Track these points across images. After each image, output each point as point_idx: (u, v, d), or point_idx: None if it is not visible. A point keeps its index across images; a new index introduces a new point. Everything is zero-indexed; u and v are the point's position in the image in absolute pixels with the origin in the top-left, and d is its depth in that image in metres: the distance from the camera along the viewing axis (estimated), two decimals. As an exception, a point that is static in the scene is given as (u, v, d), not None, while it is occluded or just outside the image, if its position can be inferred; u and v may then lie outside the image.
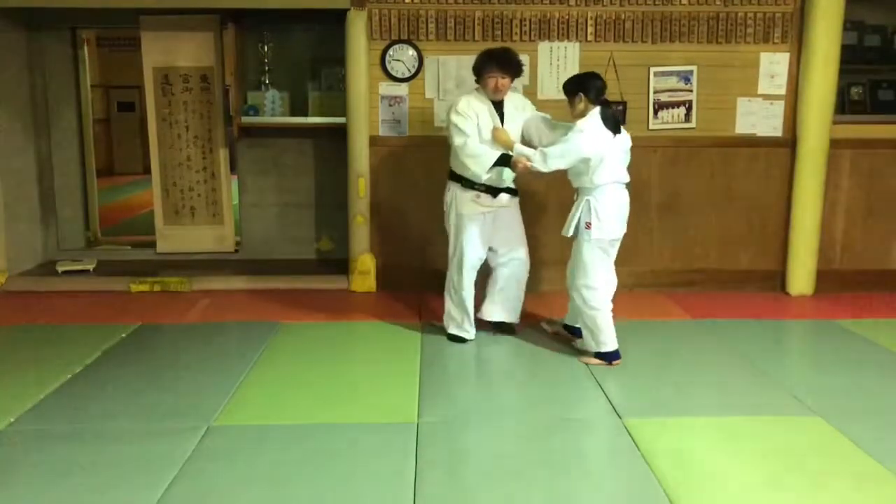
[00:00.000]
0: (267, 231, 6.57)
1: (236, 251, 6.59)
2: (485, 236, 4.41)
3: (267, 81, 6.30)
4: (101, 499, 2.79)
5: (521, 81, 5.12)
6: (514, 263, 4.50)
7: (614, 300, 4.25)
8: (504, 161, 4.15)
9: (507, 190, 4.37)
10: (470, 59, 5.44)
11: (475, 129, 4.22)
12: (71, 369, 4.05)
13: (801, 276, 5.68)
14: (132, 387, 3.86)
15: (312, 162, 6.48)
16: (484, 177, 4.20)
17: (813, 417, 3.51)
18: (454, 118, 4.25)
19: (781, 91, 5.58)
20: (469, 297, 4.46)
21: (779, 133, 5.63)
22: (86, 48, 6.79)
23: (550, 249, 5.43)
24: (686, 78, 5.54)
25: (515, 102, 4.39)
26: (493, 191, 4.32)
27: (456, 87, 5.53)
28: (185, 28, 6.17)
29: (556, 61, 5.49)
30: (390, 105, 5.59)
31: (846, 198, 5.75)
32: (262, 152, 6.47)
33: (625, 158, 4.16)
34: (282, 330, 4.78)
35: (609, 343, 4.15)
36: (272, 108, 6.23)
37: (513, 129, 4.30)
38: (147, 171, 7.74)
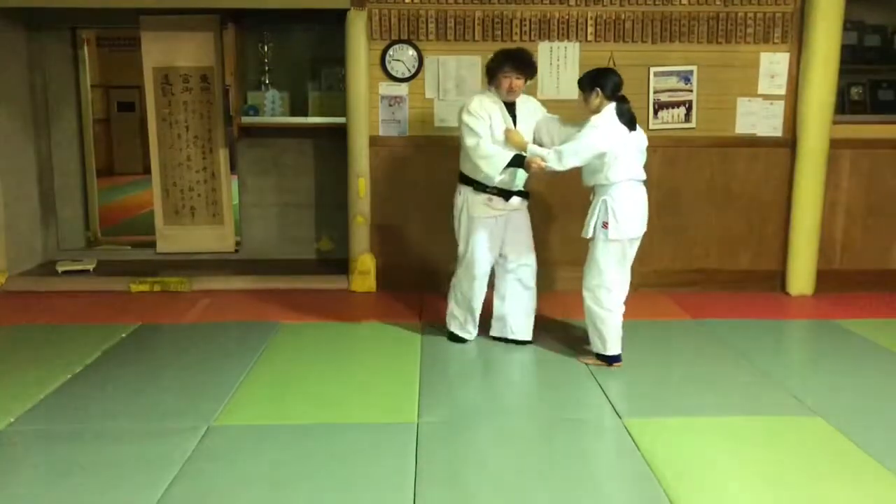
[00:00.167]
0: (267, 231, 6.57)
1: (236, 251, 6.59)
2: (496, 241, 4.33)
3: (267, 81, 6.30)
4: (101, 499, 2.79)
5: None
6: (522, 271, 4.41)
7: (626, 301, 4.19)
8: (517, 162, 4.07)
9: (519, 193, 4.30)
10: (470, 59, 5.51)
11: (488, 129, 4.13)
12: (71, 369, 4.05)
13: (801, 276, 5.68)
14: (132, 387, 3.86)
15: (312, 162, 6.48)
16: (497, 178, 4.12)
17: (813, 417, 3.51)
18: (466, 119, 4.16)
19: (781, 91, 5.58)
20: (477, 303, 4.41)
21: (779, 133, 5.63)
22: (86, 48, 6.80)
23: (555, 250, 5.43)
24: (686, 78, 5.54)
25: (527, 104, 4.31)
26: (506, 194, 4.24)
27: (456, 87, 5.54)
28: (185, 28, 6.17)
29: (556, 61, 5.49)
30: (390, 105, 5.59)
31: (846, 198, 5.75)
32: (262, 152, 6.47)
33: (640, 157, 4.10)
34: (282, 330, 4.78)
35: (615, 346, 4.10)
36: (272, 108, 6.23)
37: (525, 130, 4.22)
38: (147, 171, 7.73)
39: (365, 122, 5.56)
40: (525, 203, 4.39)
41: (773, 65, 5.55)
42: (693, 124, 5.60)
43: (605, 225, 4.00)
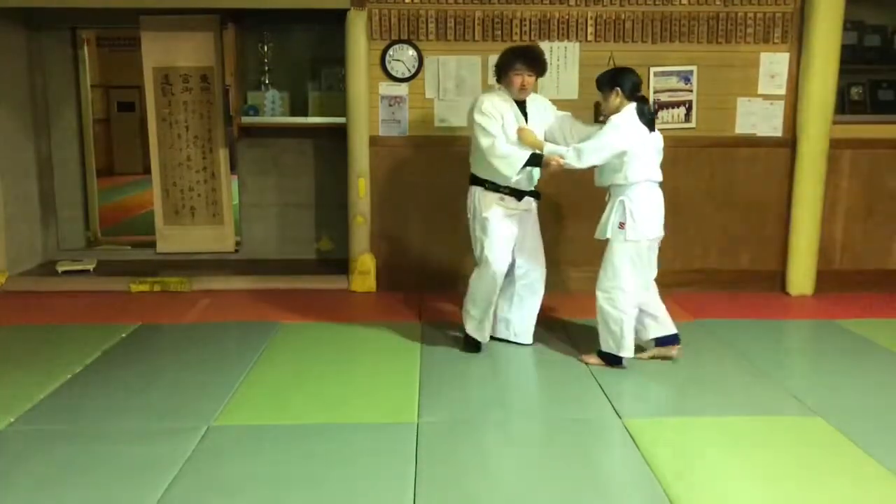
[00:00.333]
0: (267, 231, 6.57)
1: (236, 251, 6.59)
2: (510, 239, 4.22)
3: (267, 81, 6.30)
4: (100, 499, 2.79)
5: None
6: (532, 276, 4.35)
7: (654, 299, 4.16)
8: (535, 161, 3.99)
9: (531, 193, 4.23)
10: (470, 59, 5.51)
11: (501, 129, 4.03)
12: (71, 369, 4.05)
13: (801, 276, 5.68)
14: (132, 387, 3.86)
15: (312, 162, 6.48)
16: (514, 178, 4.03)
17: (813, 417, 3.51)
18: (479, 119, 4.05)
19: (781, 91, 5.58)
20: (493, 306, 4.30)
21: (779, 133, 5.63)
22: (86, 48, 6.80)
23: (556, 250, 5.42)
24: (686, 78, 5.54)
25: (537, 102, 4.24)
26: (518, 193, 4.16)
27: (456, 87, 5.54)
28: (185, 28, 6.17)
29: (556, 61, 5.49)
30: (390, 105, 5.59)
31: (846, 198, 5.75)
32: (262, 152, 6.47)
33: (658, 157, 4.06)
34: (282, 330, 4.78)
35: (629, 349, 4.04)
36: (272, 108, 6.23)
37: (536, 129, 4.15)
38: (147, 171, 7.73)
39: (365, 122, 5.56)
40: (536, 204, 4.31)
41: (773, 65, 5.55)
42: (693, 124, 5.60)
43: (621, 225, 3.96)
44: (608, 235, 4.03)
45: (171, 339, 4.72)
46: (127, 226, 8.42)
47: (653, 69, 5.52)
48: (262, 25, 6.24)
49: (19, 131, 6.20)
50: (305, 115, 6.25)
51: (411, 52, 5.53)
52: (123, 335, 4.65)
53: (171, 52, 6.24)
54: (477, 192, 4.21)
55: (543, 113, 4.24)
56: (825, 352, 4.62)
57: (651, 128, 4.00)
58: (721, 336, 4.71)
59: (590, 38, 5.49)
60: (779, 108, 5.60)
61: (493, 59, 5.39)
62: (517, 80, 4.05)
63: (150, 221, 6.82)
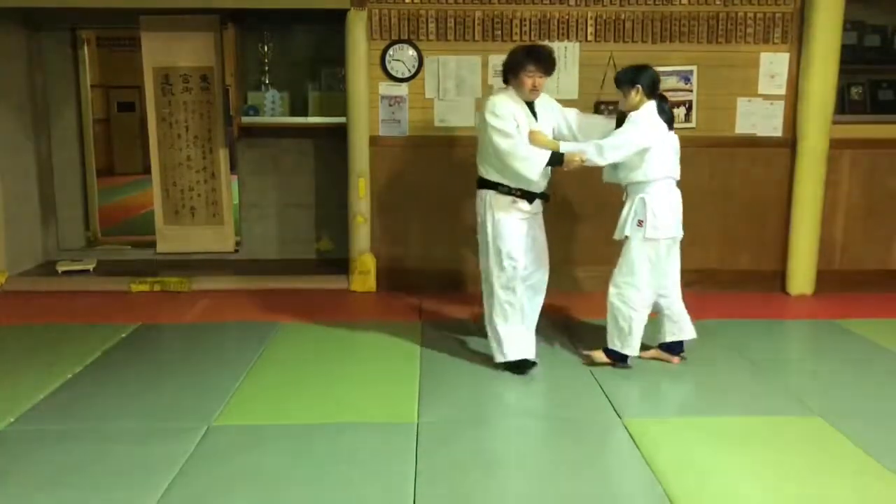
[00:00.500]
0: (267, 231, 6.57)
1: (236, 251, 6.59)
2: (525, 242, 4.08)
3: (267, 81, 6.31)
4: (101, 499, 2.79)
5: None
6: (536, 277, 4.22)
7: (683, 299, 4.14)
8: (556, 160, 3.87)
9: (541, 195, 4.09)
10: (470, 59, 5.51)
11: (516, 130, 3.90)
12: (71, 369, 4.05)
13: (801, 276, 5.68)
14: (132, 387, 3.86)
15: (312, 162, 6.48)
16: (535, 180, 3.91)
17: (813, 417, 3.51)
18: (493, 121, 3.89)
19: (781, 91, 5.58)
20: (525, 307, 4.10)
21: (779, 133, 5.63)
22: (86, 48, 6.80)
23: (557, 251, 5.42)
24: (686, 78, 5.54)
25: (543, 101, 4.09)
26: (529, 195, 4.02)
27: (456, 87, 5.54)
28: (185, 28, 6.17)
29: (557, 61, 5.47)
30: (390, 105, 5.59)
31: (846, 198, 5.75)
32: (262, 152, 6.47)
33: (676, 156, 4.03)
34: (282, 330, 4.78)
35: (635, 347, 4.01)
36: (272, 108, 6.23)
37: (545, 129, 4.03)
38: (147, 171, 7.73)
39: (365, 122, 5.56)
40: (543, 205, 4.21)
41: (773, 65, 5.55)
42: (693, 124, 5.60)
43: (640, 223, 3.92)
44: (627, 234, 3.98)
45: (170, 339, 4.72)
46: (127, 226, 8.42)
47: (653, 69, 5.51)
48: (262, 25, 6.24)
49: (19, 132, 6.20)
50: (305, 115, 6.25)
51: (411, 52, 5.53)
52: (123, 335, 4.65)
53: (171, 52, 6.24)
54: (489, 197, 4.03)
55: (551, 112, 4.15)
56: (825, 352, 4.62)
57: (670, 126, 3.98)
58: (721, 336, 4.71)
59: (590, 38, 5.49)
60: (779, 108, 5.60)
61: (494, 58, 5.47)
62: (528, 82, 3.92)
63: (150, 221, 6.82)
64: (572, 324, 4.91)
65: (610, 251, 5.20)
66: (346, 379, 4.01)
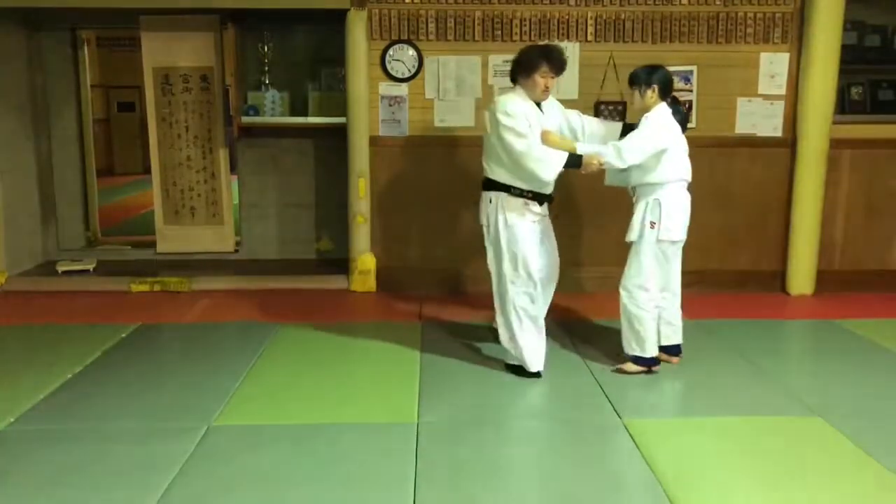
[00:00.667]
0: (267, 231, 6.57)
1: (236, 251, 6.59)
2: (538, 246, 4.03)
3: (267, 81, 6.31)
4: (101, 499, 2.79)
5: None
6: (547, 271, 4.19)
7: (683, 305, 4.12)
8: (573, 162, 3.80)
9: (548, 197, 4.04)
10: (470, 59, 5.51)
11: (530, 130, 3.81)
12: (71, 369, 4.05)
13: (801, 276, 5.68)
14: (132, 387, 3.86)
15: (312, 162, 6.48)
16: (551, 182, 3.86)
17: (813, 417, 3.51)
18: (506, 121, 3.79)
19: (781, 91, 5.58)
20: (542, 317, 4.04)
21: (779, 133, 5.63)
22: (86, 48, 6.79)
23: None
24: (686, 78, 5.54)
25: (548, 102, 4.03)
26: (540, 198, 3.97)
27: (456, 87, 5.54)
28: (185, 28, 6.17)
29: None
30: (390, 105, 5.59)
31: (846, 198, 5.75)
32: (262, 152, 6.47)
33: (687, 158, 4.01)
34: (282, 330, 4.78)
35: (653, 348, 3.99)
36: (272, 108, 6.23)
37: (553, 130, 3.98)
38: (147, 171, 7.74)
39: (365, 122, 5.56)
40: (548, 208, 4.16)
41: (773, 65, 5.55)
42: (693, 124, 5.59)
43: (652, 225, 3.89)
44: (637, 237, 3.94)
45: (170, 339, 4.72)
46: (127, 226, 8.41)
47: (653, 69, 5.51)
48: (262, 25, 6.24)
49: (19, 132, 6.20)
50: (305, 115, 6.25)
51: (411, 52, 5.53)
52: (123, 335, 4.65)
53: (171, 52, 6.24)
54: (501, 199, 3.92)
55: (557, 113, 4.11)
56: (825, 352, 4.62)
57: (684, 127, 3.95)
58: (721, 336, 4.71)
59: (590, 38, 5.49)
60: (779, 108, 5.60)
61: (494, 58, 5.48)
62: (542, 83, 3.85)
63: (150, 221, 6.82)
64: (573, 324, 4.91)
65: (610, 252, 5.22)
66: (346, 379, 4.01)
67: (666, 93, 3.91)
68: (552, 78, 3.89)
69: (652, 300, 3.98)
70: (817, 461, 3.11)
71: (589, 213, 5.61)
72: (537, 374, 3.99)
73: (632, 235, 3.97)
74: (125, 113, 13.87)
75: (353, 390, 3.86)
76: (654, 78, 3.89)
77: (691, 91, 5.55)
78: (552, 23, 5.47)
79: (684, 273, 4.17)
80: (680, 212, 3.95)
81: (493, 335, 4.27)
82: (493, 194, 3.96)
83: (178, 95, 6.33)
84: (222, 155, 6.45)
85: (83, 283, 5.88)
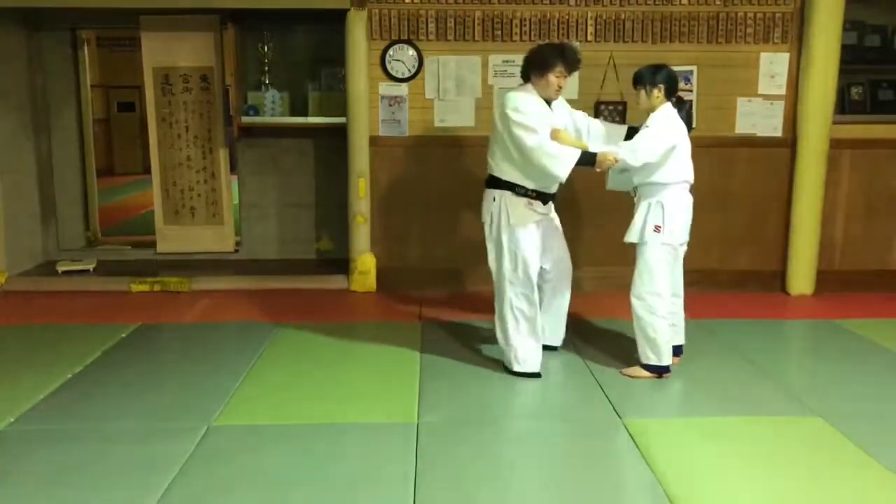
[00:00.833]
0: (267, 231, 6.57)
1: (236, 251, 6.59)
2: (540, 245, 4.01)
3: (267, 81, 6.31)
4: (101, 499, 2.79)
5: (519, 81, 5.09)
6: (559, 277, 4.20)
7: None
8: (586, 159, 3.75)
9: (552, 196, 4.02)
10: (470, 59, 5.51)
11: (542, 126, 3.77)
12: (71, 369, 4.05)
13: (801, 276, 5.68)
14: (132, 387, 3.86)
15: (312, 162, 6.48)
16: (563, 178, 3.78)
17: (813, 417, 3.51)
18: (517, 117, 3.74)
19: (781, 91, 5.58)
20: (539, 319, 4.01)
21: (779, 133, 5.63)
22: (86, 48, 6.79)
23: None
24: (686, 78, 5.53)
25: (557, 101, 4.00)
26: (544, 197, 3.95)
27: (456, 87, 5.54)
28: (185, 28, 6.17)
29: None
30: (390, 105, 5.59)
31: (846, 198, 5.75)
32: (262, 152, 6.47)
33: (691, 161, 3.98)
34: (282, 330, 4.78)
35: (667, 355, 3.94)
36: (272, 108, 6.23)
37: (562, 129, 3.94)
38: (147, 171, 7.74)
39: (365, 122, 5.56)
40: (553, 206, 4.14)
41: (773, 65, 5.55)
42: (693, 124, 5.59)
43: (657, 228, 3.84)
44: (644, 239, 3.89)
45: (170, 339, 4.72)
46: (127, 226, 8.41)
47: (653, 69, 5.51)
48: (262, 25, 6.24)
49: (19, 131, 6.20)
50: (305, 115, 6.25)
51: (411, 52, 5.53)
52: (123, 335, 4.65)
53: (171, 52, 6.24)
54: (505, 198, 3.89)
55: (565, 113, 4.09)
56: (825, 352, 4.62)
57: (689, 127, 3.93)
58: (721, 336, 4.71)
59: (590, 38, 5.49)
60: (779, 108, 5.60)
61: (494, 58, 5.48)
62: (556, 82, 3.83)
63: (150, 221, 6.82)
64: (573, 324, 4.89)
65: (609, 252, 5.23)
66: (346, 379, 4.01)
67: (671, 92, 3.89)
68: (565, 77, 3.88)
69: (665, 306, 3.92)
70: (817, 461, 3.11)
71: (588, 212, 5.61)
72: (537, 375, 3.99)
73: (631, 237, 3.94)
74: (125, 113, 13.87)
75: (353, 390, 3.86)
76: (658, 77, 3.87)
77: (691, 91, 5.55)
78: (552, 23, 5.47)
79: (685, 272, 4.16)
80: (682, 213, 3.93)
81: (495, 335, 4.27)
82: (496, 192, 3.94)
83: (178, 95, 6.33)
84: (222, 155, 6.45)
85: (83, 283, 5.88)
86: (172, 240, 6.51)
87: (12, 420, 3.44)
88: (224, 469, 3.01)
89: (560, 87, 3.88)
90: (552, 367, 4.15)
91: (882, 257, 5.84)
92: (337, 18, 5.57)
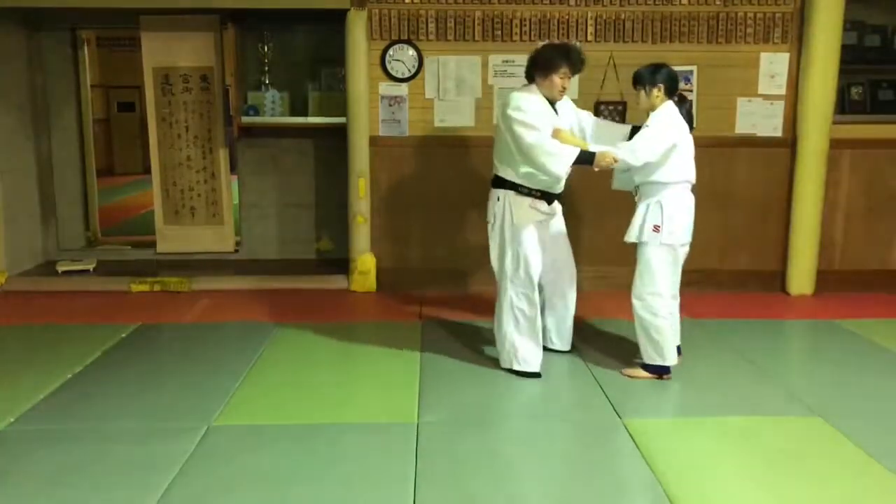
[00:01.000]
0: (267, 231, 6.57)
1: (236, 251, 6.59)
2: (543, 246, 4.00)
3: (267, 81, 6.31)
4: (101, 499, 2.79)
5: (520, 81, 5.09)
6: (564, 279, 4.20)
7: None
8: (585, 158, 3.75)
9: (558, 197, 4.01)
10: (470, 59, 5.51)
11: (543, 125, 3.78)
12: (71, 369, 4.05)
13: (801, 276, 5.68)
14: (132, 387, 3.86)
15: (312, 162, 6.48)
16: (562, 177, 3.79)
17: (813, 417, 3.51)
18: (518, 115, 3.77)
19: (781, 91, 5.58)
20: (539, 320, 4.01)
21: (779, 133, 5.63)
22: (86, 48, 6.80)
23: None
24: (686, 78, 5.53)
25: (562, 101, 4.00)
26: (548, 197, 3.94)
27: (456, 87, 5.54)
28: (185, 28, 6.17)
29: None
30: (390, 105, 5.59)
31: (846, 198, 5.75)
32: (262, 152, 6.47)
33: (693, 161, 3.97)
34: (282, 330, 4.78)
35: (672, 356, 3.93)
36: (272, 108, 6.23)
37: (565, 129, 3.95)
38: (147, 171, 7.74)
39: (365, 122, 5.56)
40: (560, 207, 4.14)
41: (773, 65, 5.55)
42: (693, 124, 5.58)
43: (656, 228, 3.82)
44: (643, 239, 3.87)
45: (170, 339, 4.72)
46: (127, 226, 8.41)
47: (653, 69, 5.51)
48: (262, 25, 6.24)
49: (19, 131, 6.20)
50: (305, 115, 6.25)
51: (411, 52, 5.53)
52: (123, 335, 4.65)
53: (171, 52, 6.24)
54: (508, 198, 3.91)
55: (570, 113, 4.09)
56: (825, 352, 4.62)
57: (691, 127, 3.92)
58: (721, 336, 4.71)
59: (590, 38, 5.49)
60: (779, 108, 5.60)
61: (494, 58, 5.48)
62: (560, 83, 3.85)
63: (150, 221, 6.82)
64: (573, 324, 4.89)
65: (609, 251, 5.23)
66: (346, 379, 4.02)
67: (672, 91, 3.89)
68: (570, 78, 3.89)
69: (667, 306, 3.91)
70: (817, 461, 3.11)
71: (588, 212, 5.61)
72: (537, 374, 3.99)
73: (630, 236, 3.93)
74: (125, 113, 13.87)
75: (353, 390, 3.86)
76: (658, 77, 3.86)
77: (691, 91, 5.55)
78: (552, 23, 5.47)
79: (684, 273, 4.16)
80: (683, 214, 3.91)
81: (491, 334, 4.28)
82: (500, 192, 3.96)
83: (178, 95, 6.33)
84: (222, 155, 6.45)
85: (83, 283, 5.88)
86: (172, 240, 6.51)
87: (12, 420, 3.44)
88: (224, 469, 3.01)
89: (564, 88, 3.89)
90: (552, 367, 4.15)
91: (882, 257, 5.84)
92: (337, 18, 5.57)
